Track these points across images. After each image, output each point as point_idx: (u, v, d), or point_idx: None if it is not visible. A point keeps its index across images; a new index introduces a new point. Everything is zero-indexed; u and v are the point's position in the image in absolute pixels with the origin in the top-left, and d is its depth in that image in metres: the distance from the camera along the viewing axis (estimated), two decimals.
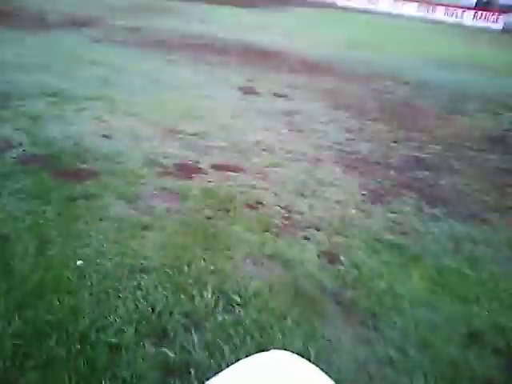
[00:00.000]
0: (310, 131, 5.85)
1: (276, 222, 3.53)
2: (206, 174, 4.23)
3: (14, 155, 4.05)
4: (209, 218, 3.45)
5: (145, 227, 3.23)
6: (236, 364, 0.93)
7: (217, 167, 4.40)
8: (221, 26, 15.30)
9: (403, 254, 3.30)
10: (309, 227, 3.51)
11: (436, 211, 4.08)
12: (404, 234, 3.60)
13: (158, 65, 8.52)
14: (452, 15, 32.35)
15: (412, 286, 2.95)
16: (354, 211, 3.84)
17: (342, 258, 3.15)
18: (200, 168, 4.34)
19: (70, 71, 7.15)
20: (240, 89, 7.52)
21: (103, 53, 8.92)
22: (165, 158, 4.44)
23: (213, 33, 13.18)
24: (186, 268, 2.81)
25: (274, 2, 33.42)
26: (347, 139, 5.70)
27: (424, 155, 5.51)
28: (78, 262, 2.73)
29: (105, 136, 4.76)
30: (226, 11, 21.11)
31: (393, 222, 3.77)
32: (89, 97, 5.94)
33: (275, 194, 3.98)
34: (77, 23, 11.98)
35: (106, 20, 13.20)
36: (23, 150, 4.16)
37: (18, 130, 4.63)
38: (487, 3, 30.53)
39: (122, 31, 11.74)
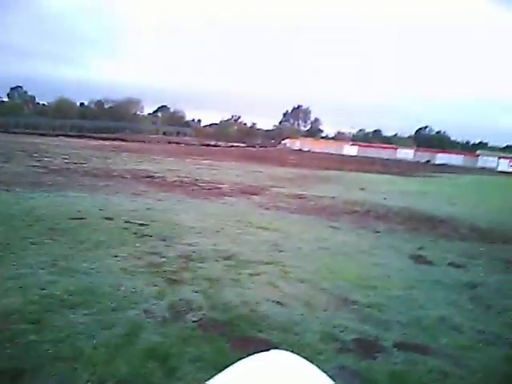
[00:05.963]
0: (501, 307, 5.14)
1: None
2: (391, 353, 3.79)
3: (195, 319, 4.08)
4: None
5: None
6: (236, 364, 0.92)
7: (401, 346, 3.93)
8: (381, 192, 15.49)
9: None
10: None
11: None
12: None
13: (322, 231, 8.62)
14: None
15: None
16: None
17: None
18: (382, 346, 3.91)
19: (242, 235, 7.50)
20: (411, 257, 7.14)
21: (270, 218, 9.37)
22: (342, 331, 4.13)
23: (374, 200, 13.31)
24: None
25: (428, 169, 33.75)
26: None
27: None
28: None
29: (279, 303, 4.66)
30: (383, 179, 21.62)
31: None
32: (261, 261, 6.04)
33: None
34: (246, 192, 13.02)
35: (272, 189, 14.18)
36: (203, 314, 4.19)
37: (197, 292, 4.75)
38: None
39: (287, 198, 12.42)
